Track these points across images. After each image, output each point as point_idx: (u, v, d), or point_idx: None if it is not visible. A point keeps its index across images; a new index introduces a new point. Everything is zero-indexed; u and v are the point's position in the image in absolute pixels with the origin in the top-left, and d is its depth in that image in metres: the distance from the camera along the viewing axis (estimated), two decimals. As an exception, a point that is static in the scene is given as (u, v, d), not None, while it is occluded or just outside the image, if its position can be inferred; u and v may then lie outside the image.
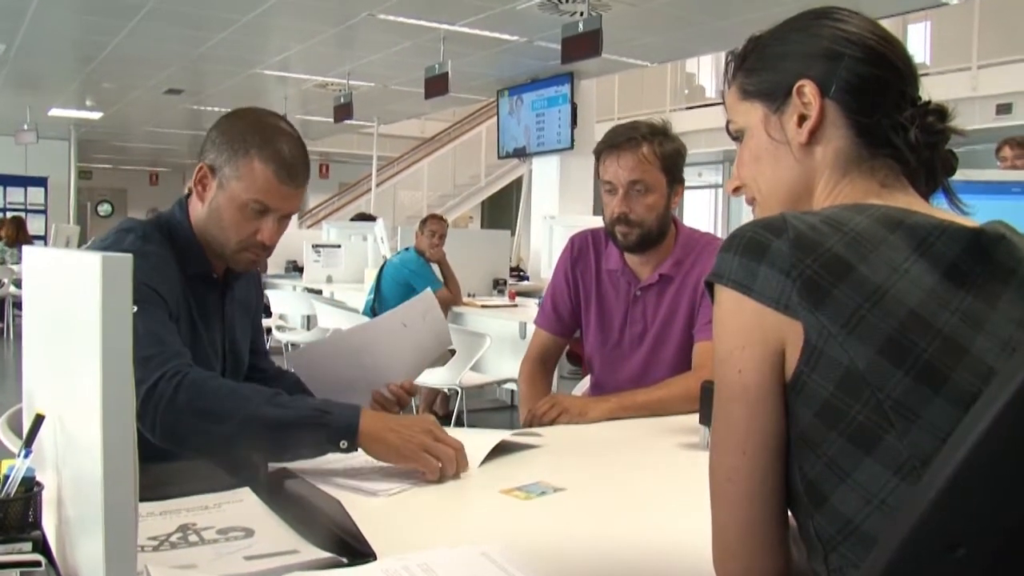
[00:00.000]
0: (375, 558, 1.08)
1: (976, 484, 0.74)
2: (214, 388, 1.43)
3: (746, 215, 2.15)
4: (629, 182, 2.17)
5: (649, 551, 1.23)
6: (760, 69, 1.06)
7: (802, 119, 1.01)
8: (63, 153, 14.84)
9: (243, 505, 1.28)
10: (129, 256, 0.67)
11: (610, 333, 2.31)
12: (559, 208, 9.10)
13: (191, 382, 1.41)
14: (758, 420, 0.90)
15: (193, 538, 1.15)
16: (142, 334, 1.41)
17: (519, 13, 6.86)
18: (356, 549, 1.10)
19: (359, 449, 1.44)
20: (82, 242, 12.18)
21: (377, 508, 1.33)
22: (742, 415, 0.91)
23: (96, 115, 12.76)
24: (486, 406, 6.26)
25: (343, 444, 1.42)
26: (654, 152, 2.18)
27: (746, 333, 0.90)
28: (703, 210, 15.68)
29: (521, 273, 8.75)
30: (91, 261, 0.67)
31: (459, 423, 4.92)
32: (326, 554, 1.09)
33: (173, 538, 1.15)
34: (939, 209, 0.99)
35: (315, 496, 1.25)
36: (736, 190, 1.11)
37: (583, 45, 6.19)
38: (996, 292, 0.89)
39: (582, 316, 2.37)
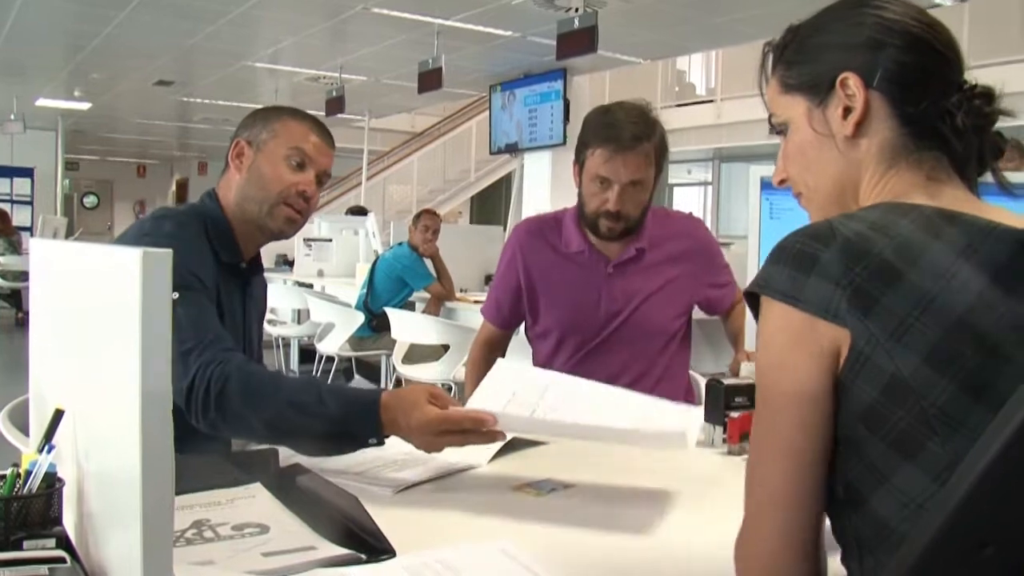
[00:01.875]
0: (394, 555, 1.08)
1: (1005, 484, 0.75)
2: (242, 384, 1.43)
3: (776, 207, 2.10)
4: (629, 182, 2.15)
5: (664, 547, 1.23)
6: (801, 61, 1.04)
7: (847, 111, 0.99)
8: (50, 144, 14.71)
9: (256, 501, 1.28)
10: (169, 251, 0.66)
11: (584, 312, 2.28)
12: (551, 204, 9.08)
13: (222, 377, 1.42)
14: (810, 427, 0.89)
15: (208, 534, 1.15)
16: (184, 323, 1.44)
17: (514, 8, 6.84)
18: (375, 546, 1.10)
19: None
20: (69, 234, 12.10)
21: (389, 504, 1.33)
22: (794, 423, 0.90)
23: (84, 106, 12.66)
24: (477, 401, 6.24)
25: (372, 441, 1.42)
26: (654, 148, 2.17)
27: (796, 343, 0.89)
28: (693, 207, 15.70)
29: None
30: (130, 257, 0.67)
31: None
32: (344, 551, 1.09)
33: (188, 534, 1.14)
34: (987, 204, 0.97)
35: (331, 492, 1.24)
36: (782, 182, 1.10)
37: (578, 42, 6.19)
38: None
39: (540, 303, 2.32)
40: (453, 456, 1.56)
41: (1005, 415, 0.75)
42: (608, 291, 2.27)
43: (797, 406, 0.90)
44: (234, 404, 1.41)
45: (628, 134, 2.13)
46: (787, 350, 0.90)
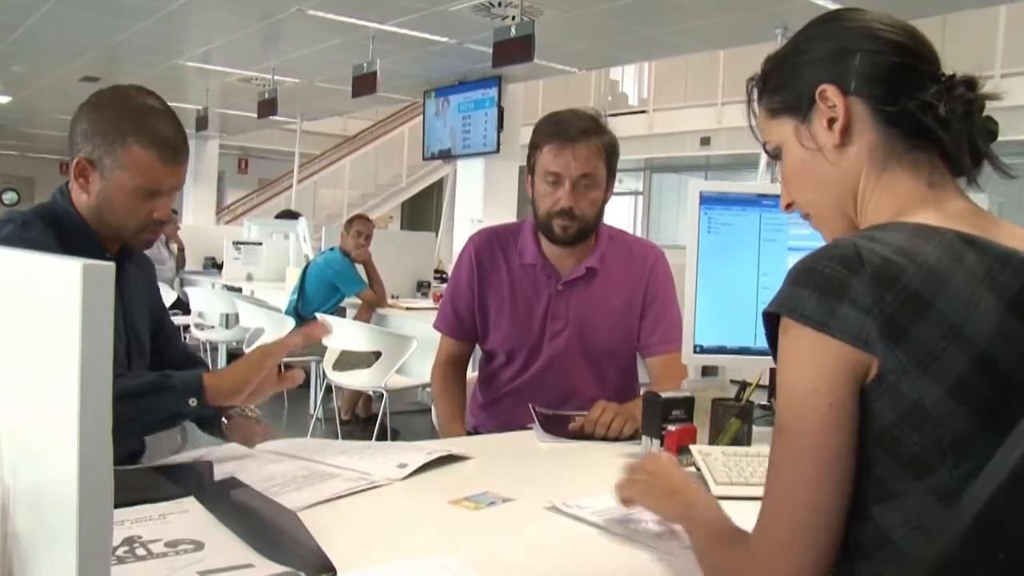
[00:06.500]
0: (335, 572, 1.06)
1: (1016, 497, 0.79)
2: None
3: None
4: (580, 175, 2.15)
5: (607, 559, 1.23)
6: (782, 86, 1.08)
7: (831, 122, 1.03)
8: (-34, 138, 14.24)
9: (189, 516, 1.24)
10: (111, 265, 0.64)
11: (529, 327, 2.27)
12: (484, 212, 9.09)
13: None
14: (844, 453, 0.91)
15: (141, 552, 1.11)
16: None
17: (451, 15, 6.82)
18: (315, 563, 1.07)
19: (210, 404, 1.54)
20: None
21: (325, 519, 1.30)
22: (830, 450, 0.91)
23: (3, 99, 12.26)
24: (408, 408, 6.22)
25: (192, 402, 1.52)
26: (603, 145, 2.18)
27: (826, 370, 0.91)
28: (624, 216, 15.85)
29: (444, 275, 8.71)
30: (69, 268, 0.64)
31: (382, 425, 4.87)
32: (284, 568, 1.06)
33: (120, 552, 1.10)
34: (992, 217, 1.00)
35: (267, 507, 1.22)
36: (788, 207, 1.12)
37: (515, 50, 6.19)
38: None
39: (490, 315, 2.30)
40: (361, 466, 1.54)
41: (1015, 439, 0.79)
42: (553, 308, 2.26)
43: (836, 431, 0.91)
44: None
45: (576, 128, 2.15)
46: (821, 377, 0.91)
